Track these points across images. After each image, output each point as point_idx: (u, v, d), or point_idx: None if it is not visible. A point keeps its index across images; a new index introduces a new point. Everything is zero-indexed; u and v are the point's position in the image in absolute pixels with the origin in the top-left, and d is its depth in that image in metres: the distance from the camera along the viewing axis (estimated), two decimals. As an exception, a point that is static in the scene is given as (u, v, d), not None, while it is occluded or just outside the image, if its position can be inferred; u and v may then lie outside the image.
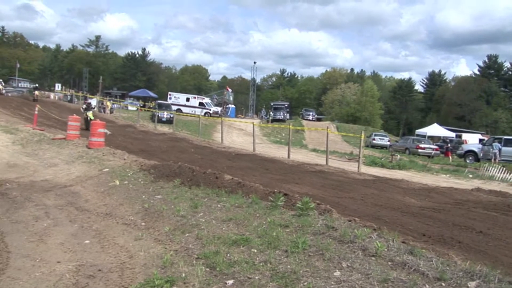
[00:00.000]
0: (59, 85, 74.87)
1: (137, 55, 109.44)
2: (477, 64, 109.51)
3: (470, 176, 17.50)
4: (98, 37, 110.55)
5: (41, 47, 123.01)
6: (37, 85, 56.97)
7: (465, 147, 31.14)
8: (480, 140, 41.95)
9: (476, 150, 28.89)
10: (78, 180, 10.04)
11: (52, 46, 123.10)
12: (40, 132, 16.90)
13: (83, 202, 7.96)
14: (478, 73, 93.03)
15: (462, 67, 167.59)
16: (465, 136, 49.82)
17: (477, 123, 76.59)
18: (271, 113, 58.48)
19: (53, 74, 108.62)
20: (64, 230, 6.15)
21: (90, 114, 22.66)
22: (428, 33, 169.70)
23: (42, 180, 9.97)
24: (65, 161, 12.29)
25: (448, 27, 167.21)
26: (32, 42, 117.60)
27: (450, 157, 30.73)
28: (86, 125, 20.67)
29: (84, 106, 24.11)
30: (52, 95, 58.49)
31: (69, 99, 52.94)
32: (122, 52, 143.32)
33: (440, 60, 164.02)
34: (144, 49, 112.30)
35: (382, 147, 39.94)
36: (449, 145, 34.31)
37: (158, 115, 35.65)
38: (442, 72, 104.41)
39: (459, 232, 6.66)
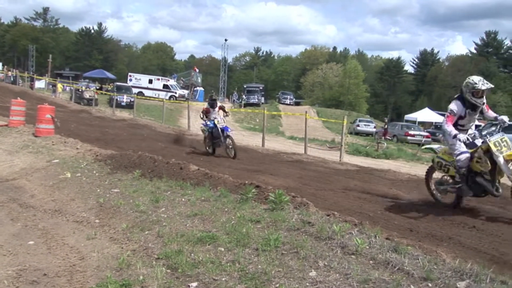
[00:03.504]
0: (0, 64, 72.95)
1: (92, 31, 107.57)
2: (474, 42, 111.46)
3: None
4: (46, 9, 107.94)
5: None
6: None
7: (460, 134, 31.60)
8: (477, 127, 42.57)
9: None
10: (23, 172, 9.85)
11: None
12: (-22, 118, 16.49)
13: (28, 198, 7.82)
14: (475, 51, 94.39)
15: (458, 45, 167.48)
16: (459, 121, 50.62)
17: (473, 107, 77.73)
18: (243, 96, 58.35)
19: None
20: (4, 230, 6.01)
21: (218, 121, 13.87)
22: (420, 7, 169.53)
23: (-20, 173, 9.74)
24: (8, 151, 12.03)
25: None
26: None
27: (387, 137, 31.81)
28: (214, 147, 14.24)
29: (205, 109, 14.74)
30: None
31: (12, 80, 51.65)
32: (76, 27, 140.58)
33: (434, 38, 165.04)
34: (100, 24, 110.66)
35: (367, 134, 40.38)
36: (386, 126, 36.12)
37: (116, 99, 35.18)
38: (435, 51, 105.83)
39: (450, 227, 6.75)
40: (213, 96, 15.92)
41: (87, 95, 35.37)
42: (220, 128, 13.65)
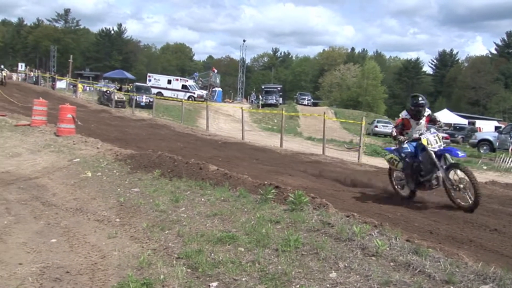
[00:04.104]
0: (23, 64, 73.98)
1: (112, 32, 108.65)
2: (495, 43, 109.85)
3: (484, 167, 17.61)
4: (67, 11, 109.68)
5: (0, 21, 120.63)
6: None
7: (479, 136, 31.21)
8: (496, 128, 42.21)
9: (491, 138, 28.95)
10: (45, 171, 9.94)
11: (14, 20, 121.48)
12: (1, 118, 16.72)
13: (50, 196, 7.89)
14: (495, 52, 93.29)
15: (478, 46, 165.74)
16: (479, 123, 50.10)
17: (493, 108, 76.89)
18: (260, 97, 58.42)
19: (15, 52, 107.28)
20: (28, 227, 6.08)
21: (429, 140, 8.36)
22: (439, 8, 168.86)
23: (3, 171, 9.84)
24: (30, 150, 12.17)
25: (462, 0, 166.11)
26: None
27: None
28: None
29: None
30: (14, 76, 57.85)
31: (34, 80, 52.30)
32: (96, 28, 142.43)
33: (453, 38, 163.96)
34: (120, 25, 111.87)
35: (385, 135, 40.06)
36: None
37: (136, 99, 35.40)
38: (454, 52, 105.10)
39: (471, 230, 6.66)
40: (419, 99, 8.20)
41: (115, 97, 35.30)
42: (436, 152, 7.80)
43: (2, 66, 46.51)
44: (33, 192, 8.13)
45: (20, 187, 8.42)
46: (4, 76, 37.92)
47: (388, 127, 41.74)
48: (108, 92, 37.39)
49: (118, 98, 34.87)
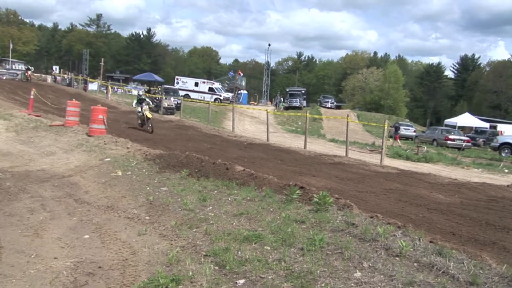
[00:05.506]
0: (57, 67, 75.30)
1: (142, 36, 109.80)
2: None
3: (506, 170, 17.28)
4: (99, 16, 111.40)
5: (36, 26, 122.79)
6: (29, 66, 52.76)
7: (501, 139, 30.70)
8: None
9: None
10: (78, 170, 10.11)
11: (49, 25, 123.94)
12: (36, 118, 17.03)
13: (83, 194, 8.02)
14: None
15: (500, 50, 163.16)
16: (500, 126, 49.14)
17: (515, 112, 75.57)
18: (281, 99, 58.42)
19: (50, 56, 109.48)
20: (62, 223, 6.19)
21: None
22: (462, 13, 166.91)
23: (38, 169, 10.05)
24: (64, 149, 12.39)
25: (484, 5, 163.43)
26: (27, 20, 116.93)
27: (399, 140, 31.99)
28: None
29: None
30: (49, 78, 58.88)
31: (67, 82, 53.15)
32: (127, 33, 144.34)
33: (475, 43, 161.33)
34: (149, 29, 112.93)
35: (407, 138, 39.60)
36: (397, 126, 35.97)
37: (164, 101, 35.45)
38: (476, 56, 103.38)
39: (493, 232, 6.55)
40: None
41: (165, 104, 34.13)
42: None
43: (29, 67, 48.06)
44: (67, 189, 8.28)
45: (55, 185, 8.58)
46: (29, 74, 37.96)
47: (410, 130, 41.27)
48: (157, 99, 36.40)
49: (168, 105, 33.81)
